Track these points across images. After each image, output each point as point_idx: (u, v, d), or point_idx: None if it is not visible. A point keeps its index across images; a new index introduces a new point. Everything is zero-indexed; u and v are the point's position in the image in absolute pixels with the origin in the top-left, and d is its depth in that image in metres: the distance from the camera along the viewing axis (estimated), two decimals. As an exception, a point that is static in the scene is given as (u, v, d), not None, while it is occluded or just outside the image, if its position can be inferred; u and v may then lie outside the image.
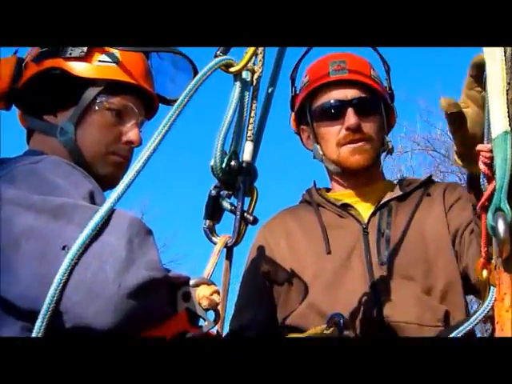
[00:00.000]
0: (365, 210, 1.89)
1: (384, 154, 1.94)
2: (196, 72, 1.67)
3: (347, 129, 1.86)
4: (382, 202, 1.88)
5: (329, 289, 1.78)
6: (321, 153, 1.93)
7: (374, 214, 1.87)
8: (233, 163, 1.49)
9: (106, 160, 1.64)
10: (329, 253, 1.83)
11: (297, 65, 2.01)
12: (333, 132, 1.89)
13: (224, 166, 1.46)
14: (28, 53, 1.69)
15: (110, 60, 1.64)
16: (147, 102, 1.70)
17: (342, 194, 1.95)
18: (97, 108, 1.62)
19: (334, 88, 1.91)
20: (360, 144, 1.87)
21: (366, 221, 1.86)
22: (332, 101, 1.90)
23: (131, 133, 1.65)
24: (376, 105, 1.91)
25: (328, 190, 2.01)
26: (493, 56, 1.38)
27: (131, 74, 1.65)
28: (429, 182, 1.95)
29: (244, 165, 1.51)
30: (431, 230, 1.82)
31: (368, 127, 1.88)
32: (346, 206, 1.91)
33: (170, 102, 1.75)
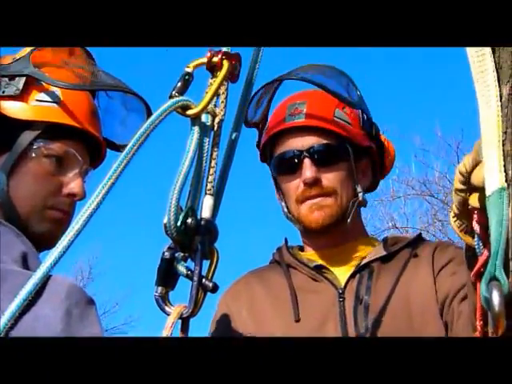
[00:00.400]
0: (342, 272, 1.70)
1: (355, 207, 1.72)
2: (150, 113, 1.52)
3: (304, 183, 1.68)
4: (362, 263, 1.69)
5: None
6: (286, 210, 1.75)
7: (352, 276, 1.68)
8: (189, 221, 1.31)
9: (44, 215, 1.47)
10: (297, 321, 1.64)
11: (251, 100, 1.74)
12: (292, 187, 1.71)
13: (179, 224, 1.29)
14: None
15: (49, 99, 1.49)
16: (93, 148, 1.55)
17: (315, 254, 1.76)
18: (33, 155, 1.46)
19: (290, 136, 1.72)
20: (319, 199, 1.68)
21: (342, 285, 1.67)
22: (287, 151, 1.72)
23: (73, 184, 1.48)
24: (340, 151, 1.71)
25: (301, 248, 1.81)
26: (487, 101, 1.25)
27: (74, 115, 1.50)
28: (418, 241, 1.76)
29: (202, 223, 1.34)
30: (417, 297, 1.63)
31: (329, 179, 1.68)
32: (320, 269, 1.72)
33: (119, 148, 1.59)
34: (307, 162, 1.68)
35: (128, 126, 1.61)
